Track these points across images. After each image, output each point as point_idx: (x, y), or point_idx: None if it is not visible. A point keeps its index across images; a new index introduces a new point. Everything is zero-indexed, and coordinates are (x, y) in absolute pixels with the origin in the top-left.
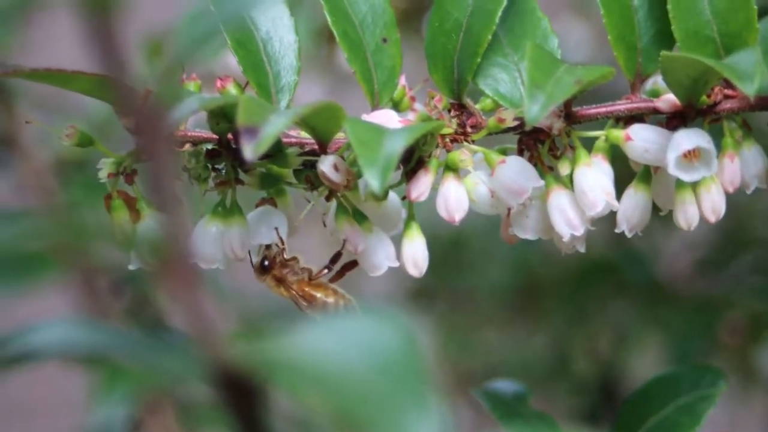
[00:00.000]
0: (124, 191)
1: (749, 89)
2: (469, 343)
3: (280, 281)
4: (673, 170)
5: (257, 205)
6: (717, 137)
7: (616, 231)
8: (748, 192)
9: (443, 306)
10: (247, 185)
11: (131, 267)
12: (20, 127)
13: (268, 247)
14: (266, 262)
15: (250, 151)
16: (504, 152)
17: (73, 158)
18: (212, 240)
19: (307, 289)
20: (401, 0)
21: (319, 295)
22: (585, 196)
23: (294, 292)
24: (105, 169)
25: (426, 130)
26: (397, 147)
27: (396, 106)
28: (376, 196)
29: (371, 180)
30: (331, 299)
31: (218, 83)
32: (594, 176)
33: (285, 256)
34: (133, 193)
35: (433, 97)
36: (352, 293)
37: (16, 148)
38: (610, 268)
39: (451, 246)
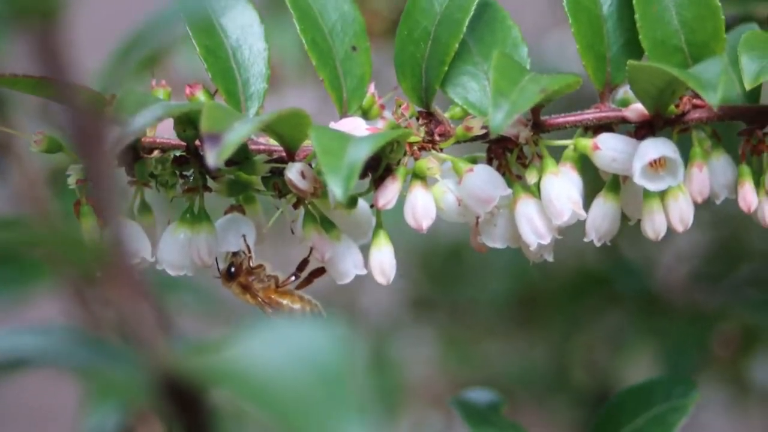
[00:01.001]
0: (94, 198)
1: (712, 99)
2: (468, 354)
3: (246, 288)
4: (639, 179)
5: (225, 212)
6: (686, 147)
7: (585, 240)
8: (718, 202)
9: (443, 317)
10: (215, 192)
11: (99, 275)
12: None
13: (234, 254)
14: (232, 269)
15: (212, 158)
16: (474, 160)
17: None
18: (180, 247)
19: (273, 296)
20: (390, 11)
21: (285, 302)
22: (551, 205)
23: (260, 300)
24: (74, 175)
25: (392, 138)
26: (360, 155)
27: (365, 114)
28: (343, 203)
29: (334, 188)
30: (297, 306)
31: (187, 90)
32: (560, 185)
33: (251, 263)
34: None
35: (400, 105)
36: (351, 304)
37: (11, 156)
38: (605, 278)
39: (450, 257)
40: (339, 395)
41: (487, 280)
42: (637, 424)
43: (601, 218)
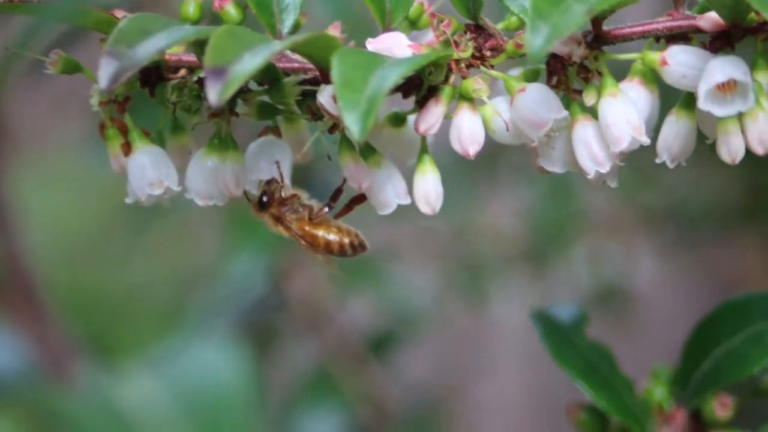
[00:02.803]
0: (120, 119)
1: None
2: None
3: (279, 220)
4: (704, 104)
5: (259, 135)
6: None
7: (657, 161)
8: None
9: None
10: (244, 116)
11: (128, 201)
12: None
13: (268, 182)
14: (264, 199)
15: (214, 95)
16: (536, 74)
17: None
18: (207, 175)
19: (307, 228)
20: None
21: (320, 234)
22: (609, 131)
23: (293, 232)
24: (96, 96)
25: (426, 62)
26: (384, 85)
27: (414, 25)
28: (392, 124)
29: (351, 126)
30: (333, 237)
31: (216, 3)
32: (619, 108)
33: (283, 193)
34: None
35: (441, 21)
36: None
37: None
38: None
39: None
40: None
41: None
42: (734, 343)
43: (673, 138)
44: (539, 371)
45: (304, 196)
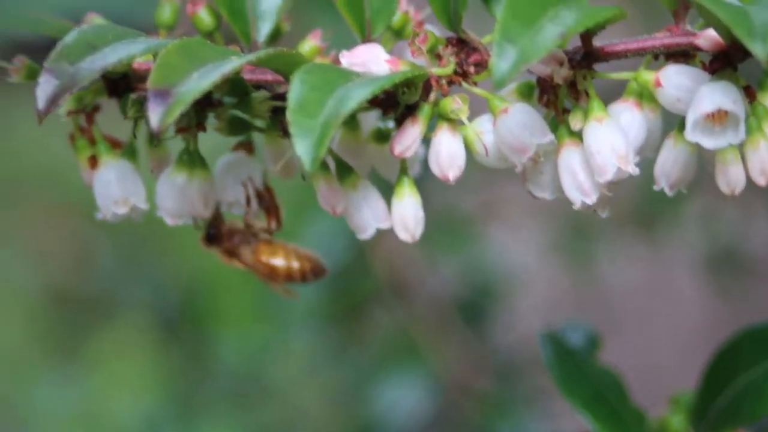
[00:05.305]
0: (90, 130)
1: (759, 50)
2: None
3: (231, 254)
4: (691, 135)
5: (231, 150)
6: None
7: (655, 188)
8: None
9: None
10: (215, 131)
11: (98, 216)
12: None
13: (214, 217)
14: (212, 231)
15: (154, 119)
16: (532, 88)
17: None
18: (176, 193)
19: (263, 258)
20: None
21: (278, 262)
22: (593, 159)
23: (249, 264)
24: (65, 105)
25: (392, 83)
26: (341, 110)
27: (398, 36)
28: (376, 140)
29: (301, 155)
30: (294, 263)
31: (189, 8)
32: (605, 135)
33: (230, 225)
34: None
35: (416, 36)
36: None
37: None
38: None
39: None
40: None
41: None
42: (753, 376)
43: (672, 163)
44: (649, 335)
45: (259, 223)
